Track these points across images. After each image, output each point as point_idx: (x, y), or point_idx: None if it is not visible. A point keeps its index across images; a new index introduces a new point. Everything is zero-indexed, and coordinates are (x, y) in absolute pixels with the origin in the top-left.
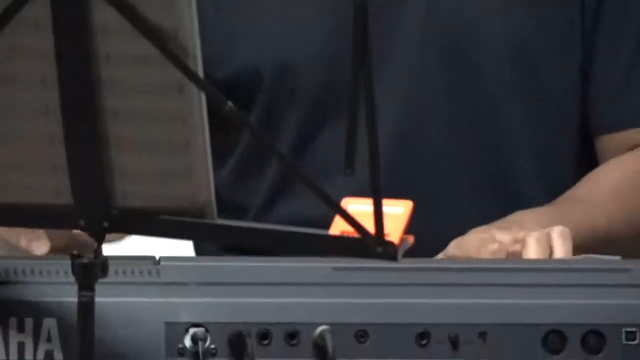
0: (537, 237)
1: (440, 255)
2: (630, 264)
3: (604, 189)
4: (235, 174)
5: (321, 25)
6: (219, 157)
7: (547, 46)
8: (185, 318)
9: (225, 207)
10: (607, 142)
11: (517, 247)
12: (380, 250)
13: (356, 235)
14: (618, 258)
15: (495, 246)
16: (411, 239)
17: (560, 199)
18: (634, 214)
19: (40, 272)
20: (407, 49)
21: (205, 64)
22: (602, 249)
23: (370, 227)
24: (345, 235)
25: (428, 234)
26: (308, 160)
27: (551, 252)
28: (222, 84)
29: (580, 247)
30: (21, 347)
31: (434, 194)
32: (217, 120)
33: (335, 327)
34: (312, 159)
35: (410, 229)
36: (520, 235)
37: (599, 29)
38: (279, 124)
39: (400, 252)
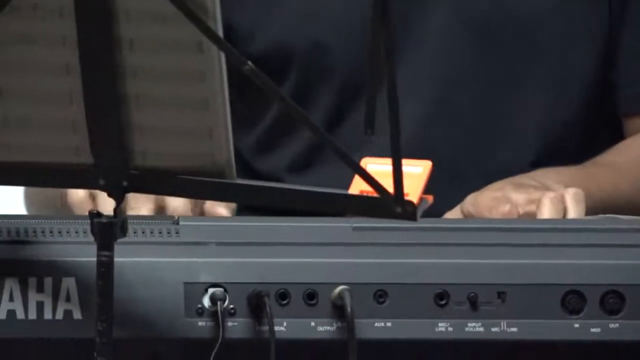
0: (551, 198)
1: (457, 208)
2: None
3: (630, 158)
4: (262, 143)
5: (356, 3)
6: (248, 124)
7: (573, 30)
8: (204, 278)
9: (252, 176)
10: (632, 123)
11: (531, 208)
12: (399, 209)
13: (375, 194)
14: (638, 218)
15: (507, 208)
16: (430, 198)
17: (587, 162)
18: None
19: (59, 232)
20: (438, 30)
21: (238, 36)
22: (623, 213)
23: (389, 187)
24: (364, 194)
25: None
26: (338, 136)
27: (564, 214)
28: (254, 58)
29: (600, 210)
30: (40, 306)
31: (459, 168)
32: (246, 86)
33: (353, 287)
34: (343, 135)
35: (435, 199)
36: (535, 195)
37: (625, 18)
38: (310, 100)
39: (419, 212)
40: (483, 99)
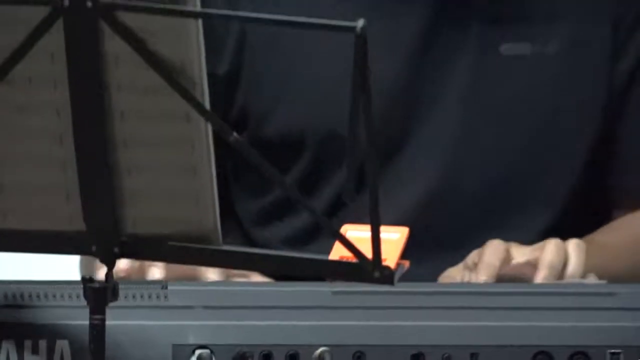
0: (555, 242)
1: (460, 265)
2: (615, 288)
3: (621, 240)
4: (262, 216)
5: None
6: (255, 195)
7: (574, 122)
8: (192, 340)
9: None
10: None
11: (535, 254)
12: (377, 274)
13: (354, 259)
14: (604, 282)
15: (497, 262)
16: (407, 264)
17: (584, 238)
18: None
19: (54, 296)
20: (446, 119)
21: (251, 120)
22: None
23: (368, 252)
24: (344, 259)
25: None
26: (343, 215)
27: (566, 260)
28: (264, 143)
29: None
30: None
31: (462, 245)
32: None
33: (333, 349)
34: (348, 215)
35: (433, 271)
36: (536, 253)
37: (621, 114)
38: (324, 178)
39: (397, 277)
40: (486, 185)
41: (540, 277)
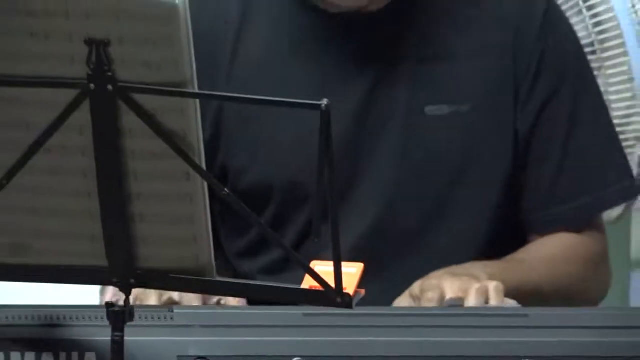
0: (477, 289)
1: (406, 292)
2: (528, 310)
3: (538, 256)
4: (243, 252)
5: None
6: (236, 235)
7: (488, 167)
8: (192, 352)
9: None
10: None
11: (462, 295)
12: (339, 300)
13: (321, 289)
14: (519, 306)
15: (436, 297)
16: (362, 292)
17: (506, 258)
18: (557, 278)
19: (83, 317)
20: (384, 167)
21: (230, 174)
22: (531, 297)
23: (332, 283)
24: (313, 288)
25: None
26: (307, 245)
27: (487, 300)
28: (241, 192)
29: (512, 294)
30: None
31: (401, 268)
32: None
33: (304, 358)
34: (311, 246)
35: (379, 288)
36: (466, 285)
37: (529, 155)
38: (288, 220)
39: (355, 302)
40: (418, 220)
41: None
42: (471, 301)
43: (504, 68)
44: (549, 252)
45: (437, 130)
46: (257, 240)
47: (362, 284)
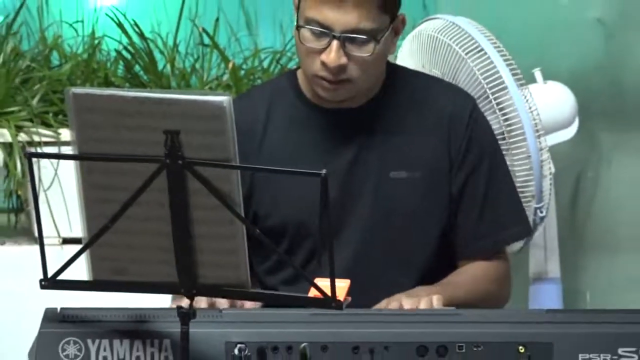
0: (425, 300)
1: (377, 306)
2: (460, 311)
3: (463, 279)
4: (267, 270)
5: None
6: (262, 260)
7: (432, 217)
8: (235, 339)
9: (262, 287)
10: (463, 265)
11: (415, 305)
12: (333, 304)
13: (321, 297)
14: (454, 308)
15: (396, 305)
16: (349, 298)
17: (441, 281)
18: (477, 293)
19: (162, 316)
20: (363, 213)
21: (258, 217)
22: (459, 307)
23: (329, 293)
24: (316, 297)
25: (374, 302)
26: (311, 265)
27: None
28: (267, 229)
29: (446, 305)
30: (152, 354)
31: (375, 288)
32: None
33: (311, 344)
34: (314, 266)
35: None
36: (416, 300)
37: (459, 208)
38: (298, 247)
39: (344, 305)
40: (384, 251)
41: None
42: (422, 306)
43: (442, 146)
44: (470, 276)
45: (398, 189)
46: (277, 263)
47: (348, 293)
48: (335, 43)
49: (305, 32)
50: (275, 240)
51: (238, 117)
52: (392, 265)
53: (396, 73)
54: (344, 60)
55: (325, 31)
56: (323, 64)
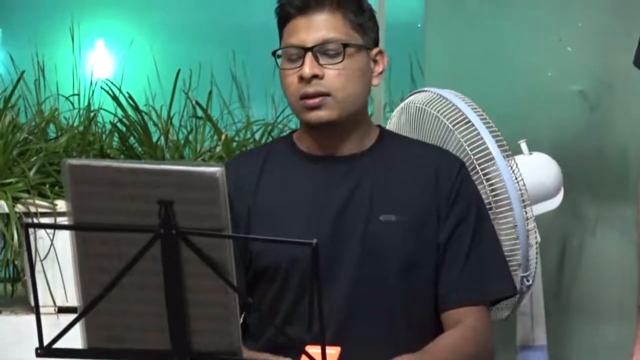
0: None
1: None
2: None
3: (440, 346)
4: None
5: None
6: (254, 335)
7: (424, 263)
8: None
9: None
10: (446, 316)
11: None
12: None
13: None
14: None
15: None
16: None
17: (423, 349)
18: (458, 356)
19: None
20: (353, 256)
21: (253, 255)
22: None
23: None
24: None
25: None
26: (302, 306)
27: None
28: (261, 270)
29: None
30: None
31: (363, 338)
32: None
33: None
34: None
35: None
36: None
37: (443, 259)
38: (288, 285)
39: None
40: (375, 302)
41: None
42: None
43: (431, 196)
44: (448, 344)
45: (388, 231)
46: (274, 306)
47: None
48: (308, 55)
49: (284, 59)
50: (268, 278)
51: (234, 172)
52: (384, 306)
53: (389, 136)
54: (317, 70)
55: (299, 48)
56: (301, 78)
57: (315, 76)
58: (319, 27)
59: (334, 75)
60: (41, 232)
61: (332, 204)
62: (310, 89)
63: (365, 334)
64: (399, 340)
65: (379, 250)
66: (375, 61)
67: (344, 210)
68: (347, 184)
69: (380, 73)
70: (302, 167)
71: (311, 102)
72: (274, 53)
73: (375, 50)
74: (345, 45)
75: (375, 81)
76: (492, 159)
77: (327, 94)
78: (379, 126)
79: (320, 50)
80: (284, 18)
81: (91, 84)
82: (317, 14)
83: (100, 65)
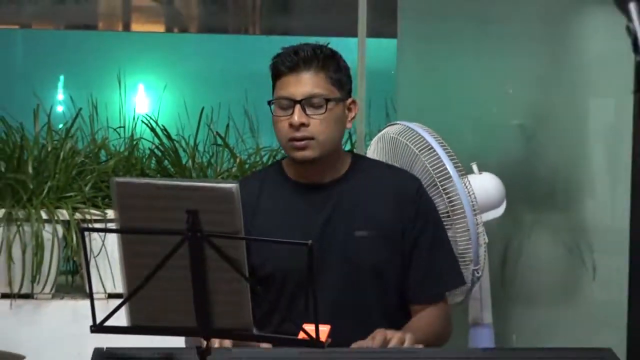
0: (399, 337)
1: (359, 342)
2: (419, 350)
3: (418, 324)
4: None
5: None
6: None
7: (393, 269)
8: None
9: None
10: (415, 308)
11: (393, 342)
12: (317, 344)
13: (307, 338)
14: (422, 346)
15: (378, 343)
16: (330, 340)
17: (405, 326)
18: (431, 335)
19: (186, 353)
20: (335, 264)
21: (254, 268)
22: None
23: (314, 335)
24: (304, 338)
25: (354, 337)
26: (296, 305)
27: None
28: (262, 277)
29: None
30: None
31: (352, 325)
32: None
33: None
34: (297, 306)
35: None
36: (396, 342)
37: (409, 265)
38: (285, 289)
39: (325, 345)
40: (354, 294)
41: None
42: (393, 343)
43: (395, 214)
44: (424, 321)
45: (362, 245)
46: (271, 308)
47: (329, 336)
48: (297, 107)
49: (277, 108)
50: (267, 285)
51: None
52: (363, 305)
53: (359, 161)
54: (304, 119)
55: (290, 100)
56: (290, 125)
57: (302, 124)
58: (306, 83)
59: (317, 123)
60: (94, 235)
61: (318, 223)
62: (298, 134)
63: (348, 324)
64: (375, 326)
65: (355, 260)
66: (349, 109)
67: (325, 228)
68: (327, 206)
69: (353, 118)
70: (291, 194)
71: (298, 144)
72: (269, 102)
73: (349, 100)
74: (327, 100)
75: (349, 125)
76: (450, 177)
77: (312, 138)
78: (351, 152)
79: (307, 102)
80: (276, 75)
81: (134, 118)
82: (305, 72)
83: (141, 104)
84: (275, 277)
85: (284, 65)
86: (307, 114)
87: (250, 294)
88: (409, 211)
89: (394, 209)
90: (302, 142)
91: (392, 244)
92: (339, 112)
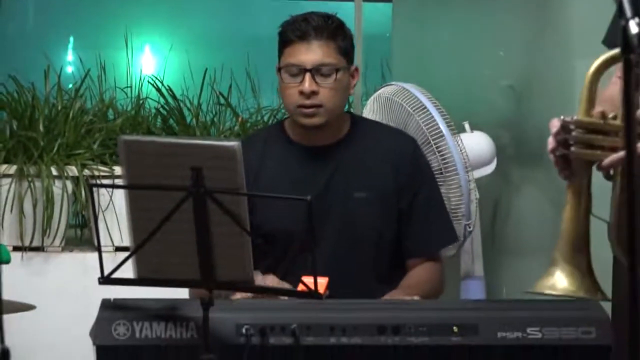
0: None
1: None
2: (412, 302)
3: (411, 282)
4: (267, 269)
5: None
6: (263, 262)
7: (387, 226)
8: (243, 321)
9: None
10: (411, 262)
11: (407, 297)
12: (316, 295)
13: (306, 290)
14: (418, 298)
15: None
16: (327, 292)
17: (401, 284)
18: (425, 290)
19: (190, 304)
20: (335, 223)
21: (256, 227)
22: None
23: (312, 287)
24: (303, 290)
25: (350, 290)
26: (298, 261)
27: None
28: (262, 235)
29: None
30: (181, 332)
31: (348, 282)
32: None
33: (299, 325)
34: (299, 262)
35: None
36: (407, 297)
37: (407, 221)
38: (284, 250)
39: (324, 297)
40: (354, 253)
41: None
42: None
43: (390, 175)
44: (419, 278)
45: (361, 206)
46: (274, 262)
47: (327, 287)
48: (307, 75)
49: (285, 75)
50: (271, 243)
51: (243, 156)
52: (359, 262)
53: (359, 122)
54: (315, 87)
55: (300, 68)
56: (301, 92)
57: (312, 92)
58: (316, 52)
59: (326, 92)
60: (102, 190)
61: (319, 184)
62: (308, 101)
63: (344, 282)
64: (370, 285)
65: (354, 220)
66: (352, 76)
67: (326, 189)
68: (328, 168)
69: (355, 84)
70: (294, 156)
71: (307, 111)
72: (278, 69)
73: (352, 67)
74: (337, 70)
75: (351, 90)
76: (443, 135)
77: (320, 106)
78: (349, 113)
79: (316, 71)
80: (285, 41)
81: (140, 79)
82: (315, 41)
83: (147, 64)
84: (278, 234)
85: (294, 33)
86: (316, 82)
87: (255, 250)
88: (405, 171)
89: (392, 170)
90: (311, 110)
91: (389, 204)
92: (345, 80)
